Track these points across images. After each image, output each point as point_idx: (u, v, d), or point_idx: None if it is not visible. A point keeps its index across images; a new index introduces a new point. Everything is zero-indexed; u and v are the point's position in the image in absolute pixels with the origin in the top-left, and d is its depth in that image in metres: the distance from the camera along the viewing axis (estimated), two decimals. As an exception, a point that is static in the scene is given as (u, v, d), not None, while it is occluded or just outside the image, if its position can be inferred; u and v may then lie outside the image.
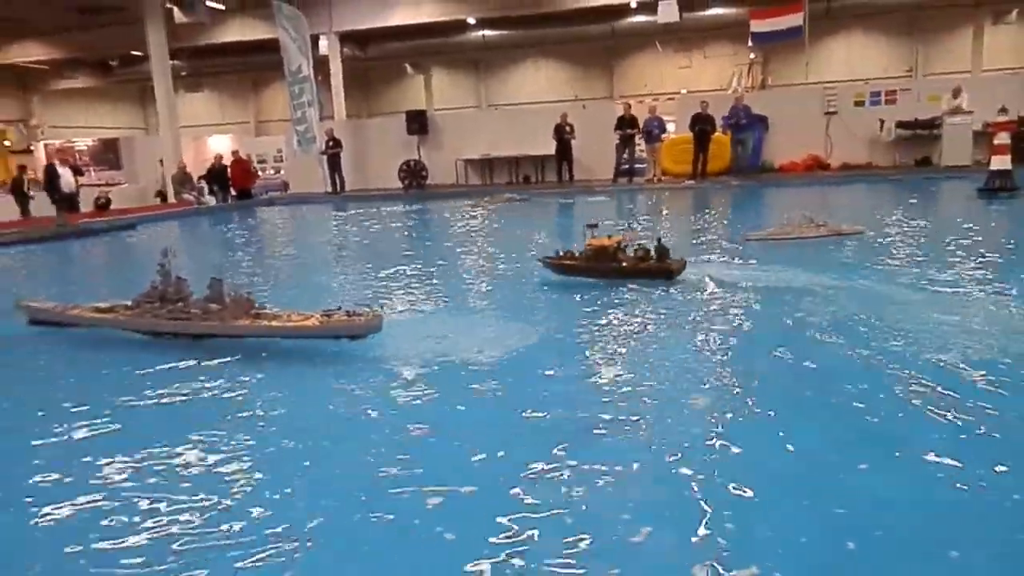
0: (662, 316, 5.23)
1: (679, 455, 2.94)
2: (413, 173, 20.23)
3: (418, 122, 20.56)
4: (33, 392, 4.36)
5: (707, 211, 12.91)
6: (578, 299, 5.89)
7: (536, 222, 12.32)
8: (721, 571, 2.17)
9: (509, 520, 2.50)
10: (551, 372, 4.11)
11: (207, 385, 4.17)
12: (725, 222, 11.24)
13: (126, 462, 3.15)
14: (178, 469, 3.08)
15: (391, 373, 4.22)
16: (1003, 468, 2.74)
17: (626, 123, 17.74)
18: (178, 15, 19.96)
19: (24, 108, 31.93)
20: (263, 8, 20.76)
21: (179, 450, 3.25)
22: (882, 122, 17.17)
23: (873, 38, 27.81)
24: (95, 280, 9.48)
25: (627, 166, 18.26)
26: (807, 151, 17.77)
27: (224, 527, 2.57)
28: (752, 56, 27.94)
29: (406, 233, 12.57)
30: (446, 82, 32.82)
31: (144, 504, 2.77)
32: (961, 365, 3.83)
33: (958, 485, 2.64)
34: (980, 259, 6.76)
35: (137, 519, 2.66)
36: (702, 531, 2.39)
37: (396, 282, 7.11)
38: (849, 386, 3.63)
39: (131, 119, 36.53)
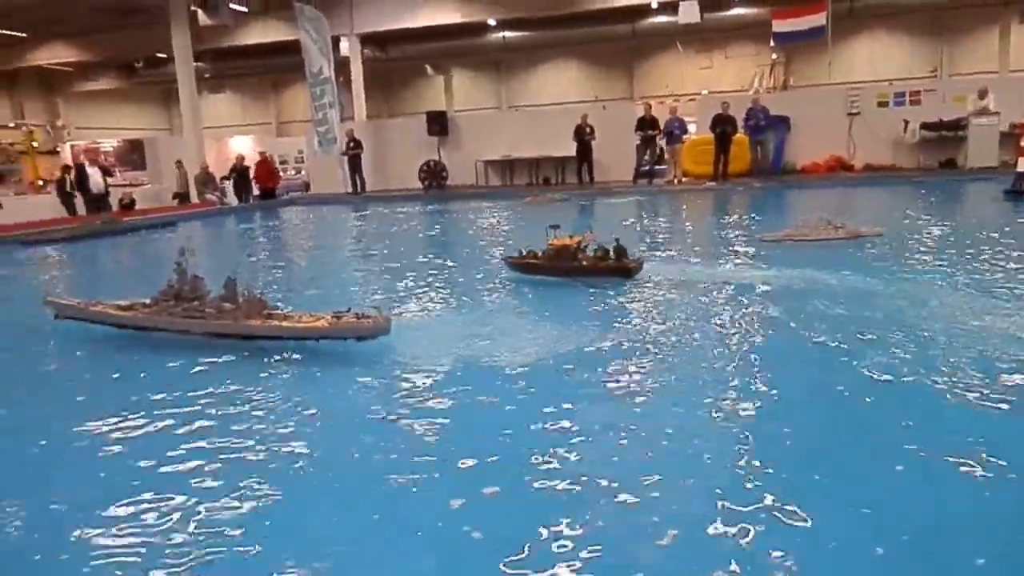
0: (679, 317, 5.23)
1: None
2: (433, 174, 20.30)
3: (438, 123, 20.62)
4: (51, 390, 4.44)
5: (726, 212, 12.82)
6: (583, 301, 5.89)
7: (578, 222, 12.18)
8: None
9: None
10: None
11: (220, 385, 4.22)
12: (743, 224, 11.16)
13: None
14: (197, 469, 3.13)
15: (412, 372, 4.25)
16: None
17: (647, 124, 17.67)
18: (202, 17, 20.21)
19: (51, 110, 32.43)
20: (285, 10, 20.94)
21: (195, 444, 3.30)
22: (906, 123, 16.95)
23: (897, 38, 27.47)
24: (146, 273, 9.54)
25: (648, 167, 18.20)
26: (829, 152, 17.60)
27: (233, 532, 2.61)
28: (774, 56, 27.72)
29: (431, 233, 12.61)
30: (467, 83, 32.90)
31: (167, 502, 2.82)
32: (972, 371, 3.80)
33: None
34: (1001, 262, 6.65)
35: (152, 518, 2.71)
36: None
37: (425, 282, 7.15)
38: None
39: (155, 120, 36.97)
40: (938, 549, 2.34)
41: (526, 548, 2.36)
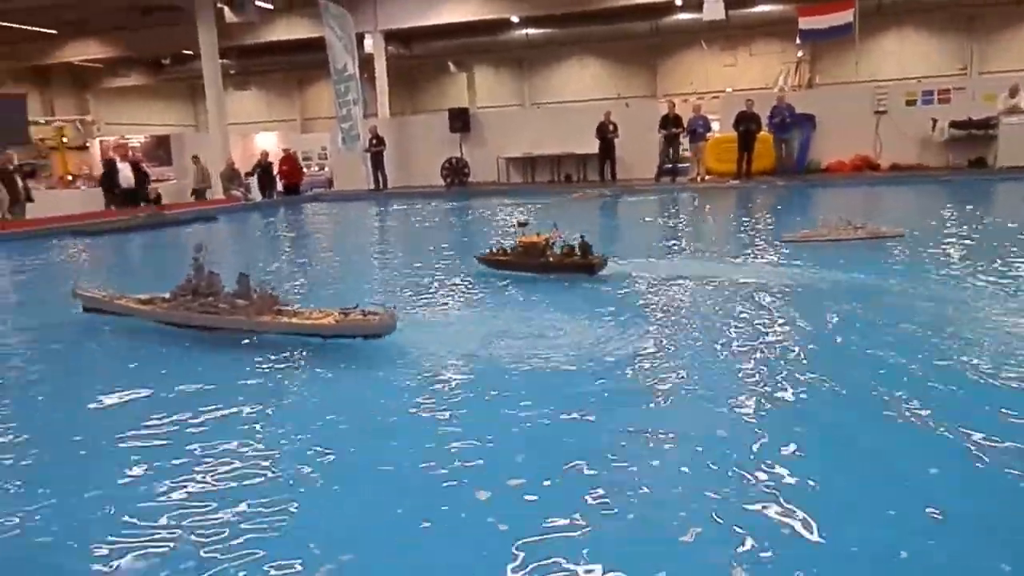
0: (692, 320, 5.23)
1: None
2: (455, 170, 20.39)
3: (461, 120, 20.71)
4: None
5: (748, 212, 12.75)
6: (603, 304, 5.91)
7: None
8: None
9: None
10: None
11: (238, 380, 4.29)
12: (764, 223, 11.09)
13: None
14: (223, 461, 3.19)
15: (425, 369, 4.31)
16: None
17: (670, 122, 17.61)
18: (228, 15, 20.47)
19: (80, 106, 32.93)
20: (310, 7, 21.11)
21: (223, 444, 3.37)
22: (934, 121, 16.72)
23: (925, 35, 27.11)
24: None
25: (670, 165, 18.12)
26: (856, 151, 17.42)
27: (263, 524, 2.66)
28: (800, 54, 27.45)
29: (453, 231, 12.67)
30: (490, 80, 32.95)
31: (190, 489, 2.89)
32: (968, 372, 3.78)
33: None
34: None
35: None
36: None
37: (442, 280, 7.20)
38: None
39: (182, 116, 37.44)
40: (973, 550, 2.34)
41: (550, 539, 2.39)
